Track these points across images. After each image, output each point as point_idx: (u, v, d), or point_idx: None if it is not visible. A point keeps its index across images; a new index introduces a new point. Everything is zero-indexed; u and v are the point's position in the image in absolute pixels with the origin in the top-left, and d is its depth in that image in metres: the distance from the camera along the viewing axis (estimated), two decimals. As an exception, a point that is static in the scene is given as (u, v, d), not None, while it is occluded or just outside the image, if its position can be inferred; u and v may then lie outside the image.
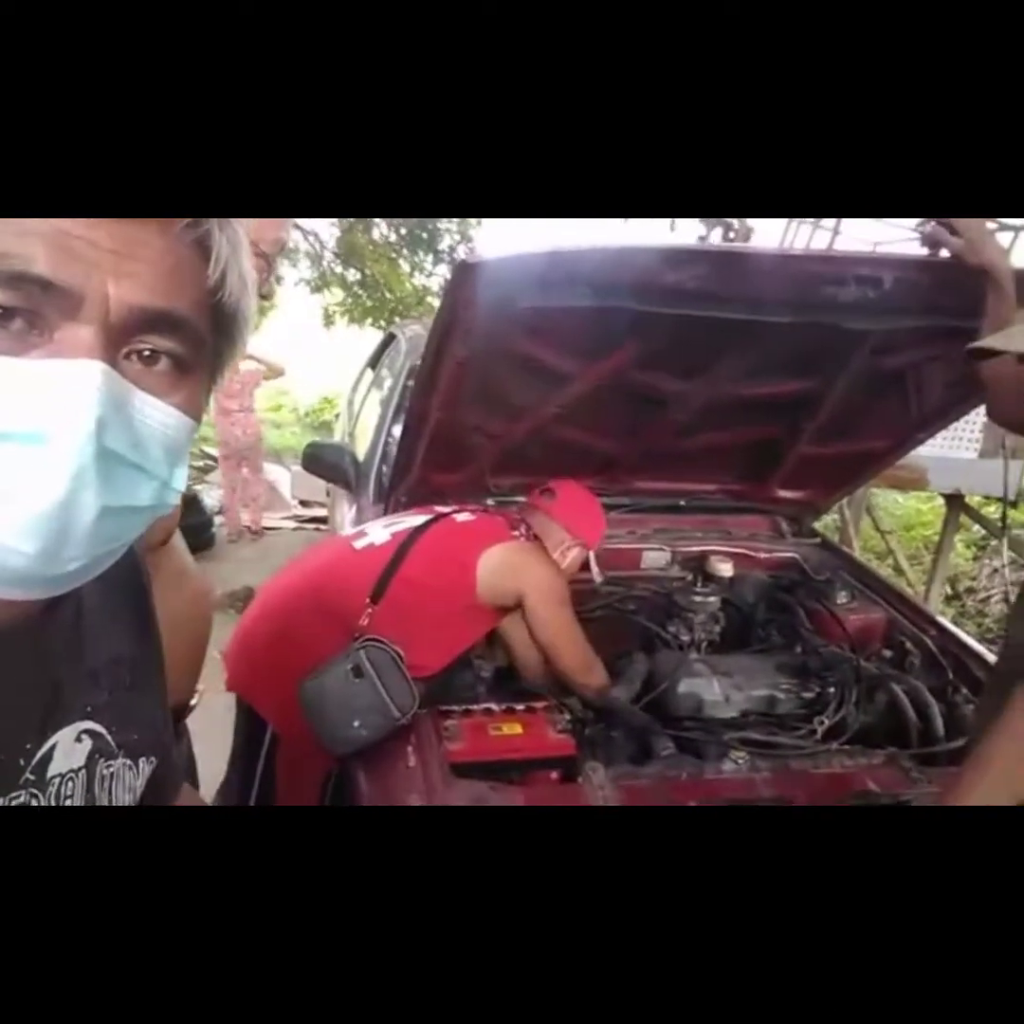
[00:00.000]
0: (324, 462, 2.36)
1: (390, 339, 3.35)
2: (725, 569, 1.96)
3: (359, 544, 1.55)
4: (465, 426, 1.66)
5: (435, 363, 1.40)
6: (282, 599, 1.54)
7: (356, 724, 1.25)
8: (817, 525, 2.35)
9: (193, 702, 1.03)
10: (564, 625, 1.51)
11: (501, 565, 1.48)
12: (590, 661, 1.54)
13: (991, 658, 1.66)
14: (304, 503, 5.54)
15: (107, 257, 0.40)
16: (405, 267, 7.79)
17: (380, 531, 1.57)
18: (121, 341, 0.41)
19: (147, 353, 0.42)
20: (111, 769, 0.53)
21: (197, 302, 0.44)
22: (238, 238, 0.46)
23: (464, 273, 1.21)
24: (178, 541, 0.96)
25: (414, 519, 1.58)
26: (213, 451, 5.19)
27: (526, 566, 1.50)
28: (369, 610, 1.39)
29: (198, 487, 5.18)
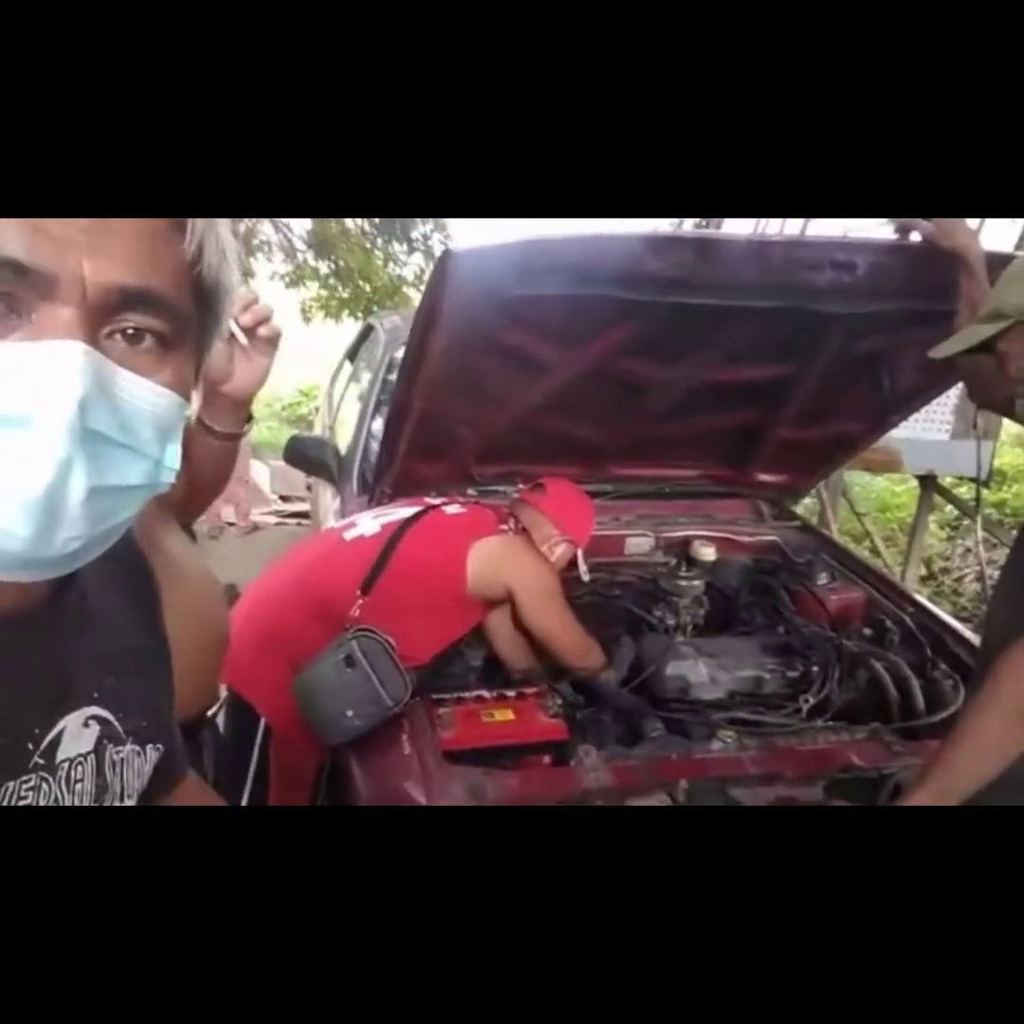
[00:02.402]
0: (306, 456, 2.35)
1: (368, 331, 3.33)
2: (708, 553, 1.99)
3: (349, 535, 1.56)
4: (449, 416, 1.66)
5: (418, 353, 1.40)
6: (274, 591, 1.54)
7: (349, 713, 1.25)
8: (797, 510, 2.38)
9: (213, 711, 1.00)
10: (556, 615, 1.52)
11: (490, 558, 1.49)
12: (586, 645, 1.56)
13: (968, 634, 1.70)
14: (285, 498, 5.50)
15: (80, 236, 0.39)
16: (379, 257, 7.72)
17: (370, 522, 1.57)
18: (101, 321, 0.41)
19: (130, 332, 0.42)
20: (120, 755, 0.54)
21: (176, 277, 0.43)
22: None
23: (448, 262, 1.22)
24: (182, 540, 0.95)
25: (404, 511, 1.58)
26: None
27: (515, 560, 1.51)
28: (360, 601, 1.40)
29: (176, 484, 5.12)
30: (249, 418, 0.91)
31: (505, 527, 1.59)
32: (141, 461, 0.44)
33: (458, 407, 1.64)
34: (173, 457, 0.46)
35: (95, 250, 0.40)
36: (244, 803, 1.38)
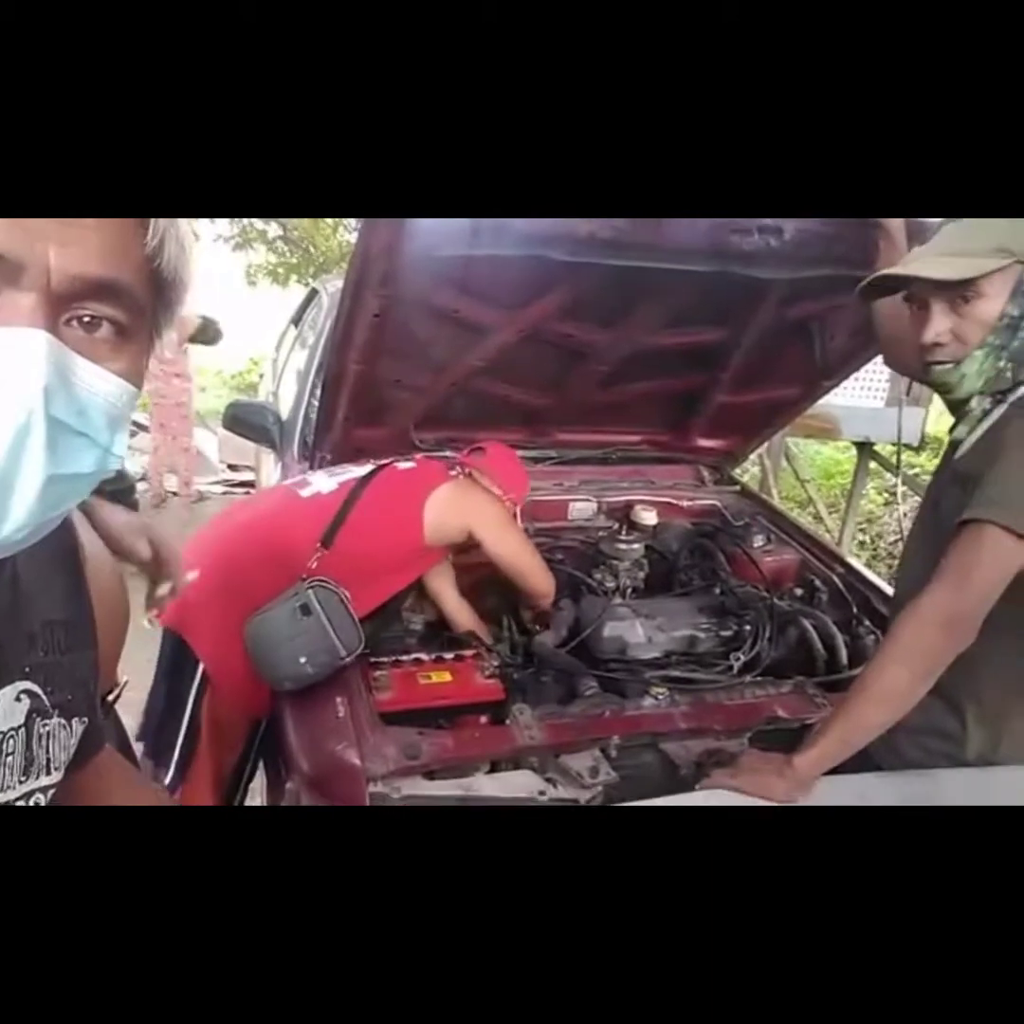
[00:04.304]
0: (246, 422, 2.31)
1: (313, 295, 3.25)
2: (649, 517, 2.03)
3: (305, 493, 1.57)
4: (386, 380, 1.65)
5: (351, 316, 1.38)
6: (223, 545, 1.53)
7: (302, 660, 1.27)
8: (744, 477, 2.43)
9: (112, 696, 0.99)
10: (519, 540, 1.61)
11: (447, 504, 1.52)
12: (546, 567, 1.67)
13: (890, 591, 1.77)
14: (232, 467, 5.39)
15: (48, 225, 0.40)
16: (328, 222, 7.53)
17: (326, 480, 1.59)
18: (62, 308, 0.42)
19: (87, 319, 0.43)
20: (47, 728, 0.55)
21: (137, 269, 0.45)
22: None
23: (375, 223, 1.19)
24: (77, 519, 0.93)
25: (358, 469, 1.60)
26: (138, 417, 5.00)
27: (469, 498, 1.56)
28: (319, 554, 1.42)
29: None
30: None
31: (454, 472, 1.62)
32: (94, 449, 0.45)
33: (395, 371, 1.63)
34: (120, 445, 0.47)
35: (62, 239, 0.41)
36: (174, 758, 1.39)
